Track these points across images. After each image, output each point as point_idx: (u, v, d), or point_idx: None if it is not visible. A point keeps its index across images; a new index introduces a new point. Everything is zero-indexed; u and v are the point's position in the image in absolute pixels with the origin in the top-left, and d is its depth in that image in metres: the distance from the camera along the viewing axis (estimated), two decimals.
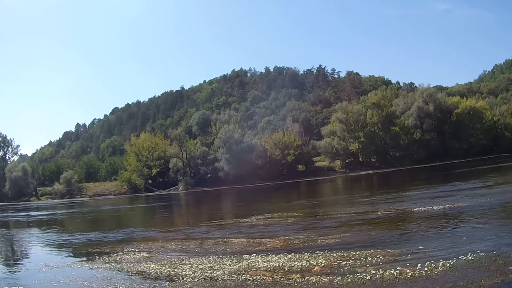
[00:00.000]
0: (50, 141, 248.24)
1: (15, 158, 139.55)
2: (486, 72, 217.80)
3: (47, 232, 41.40)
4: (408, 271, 14.99)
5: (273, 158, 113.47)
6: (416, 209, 31.07)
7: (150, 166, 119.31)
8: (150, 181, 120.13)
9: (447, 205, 30.88)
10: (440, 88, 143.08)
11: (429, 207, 31.00)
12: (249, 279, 16.10)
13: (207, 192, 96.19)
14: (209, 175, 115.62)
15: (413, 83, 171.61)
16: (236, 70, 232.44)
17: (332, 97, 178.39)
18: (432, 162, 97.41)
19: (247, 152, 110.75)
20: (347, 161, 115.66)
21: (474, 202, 31.33)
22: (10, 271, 22.56)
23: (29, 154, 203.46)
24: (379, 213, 31.91)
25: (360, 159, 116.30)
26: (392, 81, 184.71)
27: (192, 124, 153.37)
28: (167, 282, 16.86)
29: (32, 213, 72.73)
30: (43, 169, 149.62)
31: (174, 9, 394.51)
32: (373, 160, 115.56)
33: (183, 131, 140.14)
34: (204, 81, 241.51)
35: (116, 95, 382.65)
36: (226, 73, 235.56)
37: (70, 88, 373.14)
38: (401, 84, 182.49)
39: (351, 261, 17.51)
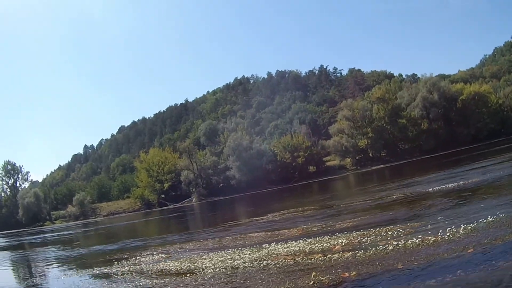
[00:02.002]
0: (60, 165, 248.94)
1: (26, 184, 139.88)
2: (487, 56, 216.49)
3: (64, 248, 41.43)
4: (430, 238, 14.90)
5: (283, 161, 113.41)
6: (430, 189, 31.13)
7: (162, 181, 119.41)
8: (163, 196, 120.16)
9: (461, 182, 30.87)
10: (443, 77, 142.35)
11: (444, 186, 31.05)
12: (270, 264, 15.94)
13: (221, 201, 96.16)
14: (221, 184, 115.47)
15: (416, 74, 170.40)
16: (238, 78, 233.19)
17: (336, 95, 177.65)
18: (442, 151, 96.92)
19: (257, 158, 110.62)
20: (357, 158, 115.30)
21: (487, 177, 31.50)
22: (28, 283, 22.49)
23: (40, 180, 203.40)
24: (394, 197, 31.87)
25: (370, 154, 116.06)
26: (395, 74, 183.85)
27: (199, 135, 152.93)
28: (188, 275, 16.75)
29: (47, 235, 72.90)
30: (55, 193, 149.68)
31: (171, 24, 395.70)
32: (383, 154, 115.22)
33: (192, 143, 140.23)
34: (208, 91, 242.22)
35: (121, 113, 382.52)
36: (229, 82, 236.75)
37: (75, 110, 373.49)
38: (404, 77, 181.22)
39: (371, 237, 17.43)
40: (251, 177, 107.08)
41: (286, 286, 12.75)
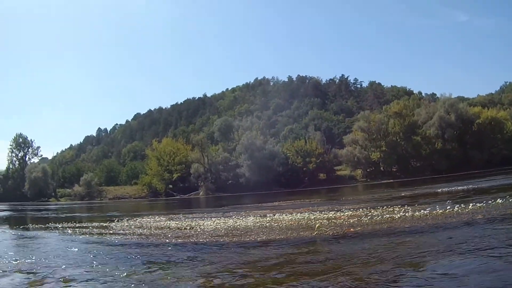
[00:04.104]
0: (71, 145, 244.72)
1: (36, 159, 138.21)
2: (508, 83, 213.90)
3: (69, 212, 41.80)
4: (438, 211, 14.90)
5: (294, 165, 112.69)
6: (439, 190, 31.43)
7: (171, 171, 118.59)
8: (170, 186, 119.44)
9: (471, 186, 31.15)
10: (461, 99, 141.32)
11: (453, 188, 31.34)
12: (273, 225, 15.85)
13: (228, 196, 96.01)
14: (230, 181, 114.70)
15: (435, 94, 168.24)
16: (259, 78, 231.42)
17: (354, 106, 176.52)
18: (454, 172, 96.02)
19: (269, 159, 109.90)
20: (368, 170, 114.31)
21: (497, 183, 32.59)
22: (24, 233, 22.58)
23: (50, 157, 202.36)
24: (402, 194, 32.13)
25: (382, 168, 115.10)
26: (414, 92, 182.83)
27: (214, 130, 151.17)
28: (188, 229, 16.70)
29: (53, 206, 73.45)
30: (63, 171, 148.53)
31: (196, 18, 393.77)
32: (394, 169, 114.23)
33: (205, 137, 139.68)
34: (227, 89, 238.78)
35: (138, 101, 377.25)
36: (249, 82, 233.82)
37: (92, 92, 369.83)
38: (423, 95, 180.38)
39: (378, 211, 17.35)
40: (261, 177, 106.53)
41: (288, 236, 12.60)
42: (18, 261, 11.98)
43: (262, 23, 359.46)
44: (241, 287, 8.33)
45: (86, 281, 9.59)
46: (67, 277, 9.97)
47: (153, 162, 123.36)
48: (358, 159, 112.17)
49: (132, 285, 8.92)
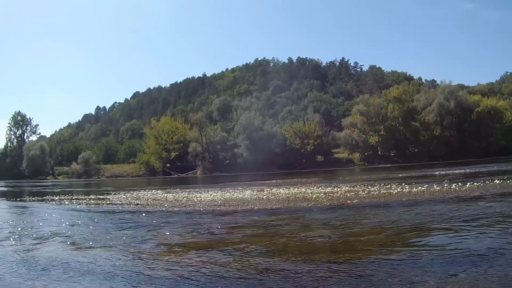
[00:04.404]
0: (70, 123, 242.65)
1: (34, 137, 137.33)
2: (508, 73, 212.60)
3: (67, 187, 41.98)
4: (436, 188, 14.99)
5: (292, 146, 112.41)
6: (437, 173, 31.52)
7: (169, 150, 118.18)
8: (168, 165, 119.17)
9: (468, 170, 32.08)
10: (461, 87, 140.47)
11: (450, 172, 31.60)
12: (270, 198, 15.91)
13: (226, 176, 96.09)
14: (227, 161, 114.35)
15: (435, 81, 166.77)
16: (259, 59, 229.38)
17: (354, 90, 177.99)
18: (452, 159, 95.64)
19: (267, 140, 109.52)
20: (366, 154, 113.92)
21: (494, 168, 32.52)
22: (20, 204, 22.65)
23: (48, 136, 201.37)
24: (399, 175, 32.29)
25: (379, 152, 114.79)
26: (414, 77, 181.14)
27: (213, 110, 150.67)
28: (185, 200, 16.80)
29: (49, 183, 73.63)
30: (61, 149, 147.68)
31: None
32: (392, 154, 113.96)
33: (204, 116, 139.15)
34: (227, 69, 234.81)
35: (137, 80, 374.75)
36: (248, 62, 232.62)
37: (91, 71, 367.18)
38: (423, 81, 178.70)
39: (375, 187, 17.40)
40: (259, 157, 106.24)
41: (285, 205, 12.64)
42: (5, 225, 12.18)
43: (263, 4, 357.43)
44: (202, 244, 8.56)
45: (64, 236, 9.97)
46: (46, 234, 10.27)
47: (151, 141, 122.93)
48: (356, 142, 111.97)
49: (103, 240, 9.29)
